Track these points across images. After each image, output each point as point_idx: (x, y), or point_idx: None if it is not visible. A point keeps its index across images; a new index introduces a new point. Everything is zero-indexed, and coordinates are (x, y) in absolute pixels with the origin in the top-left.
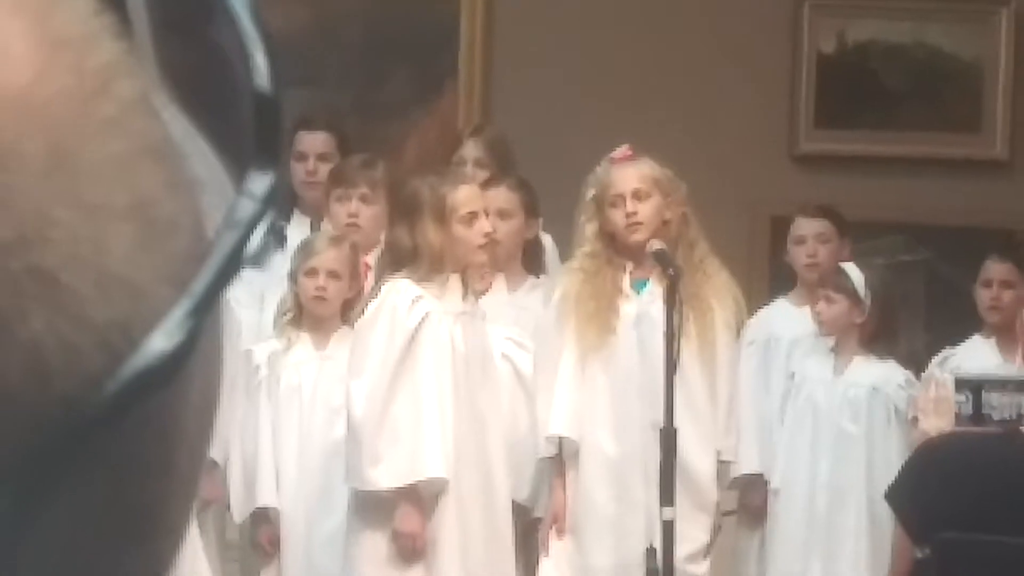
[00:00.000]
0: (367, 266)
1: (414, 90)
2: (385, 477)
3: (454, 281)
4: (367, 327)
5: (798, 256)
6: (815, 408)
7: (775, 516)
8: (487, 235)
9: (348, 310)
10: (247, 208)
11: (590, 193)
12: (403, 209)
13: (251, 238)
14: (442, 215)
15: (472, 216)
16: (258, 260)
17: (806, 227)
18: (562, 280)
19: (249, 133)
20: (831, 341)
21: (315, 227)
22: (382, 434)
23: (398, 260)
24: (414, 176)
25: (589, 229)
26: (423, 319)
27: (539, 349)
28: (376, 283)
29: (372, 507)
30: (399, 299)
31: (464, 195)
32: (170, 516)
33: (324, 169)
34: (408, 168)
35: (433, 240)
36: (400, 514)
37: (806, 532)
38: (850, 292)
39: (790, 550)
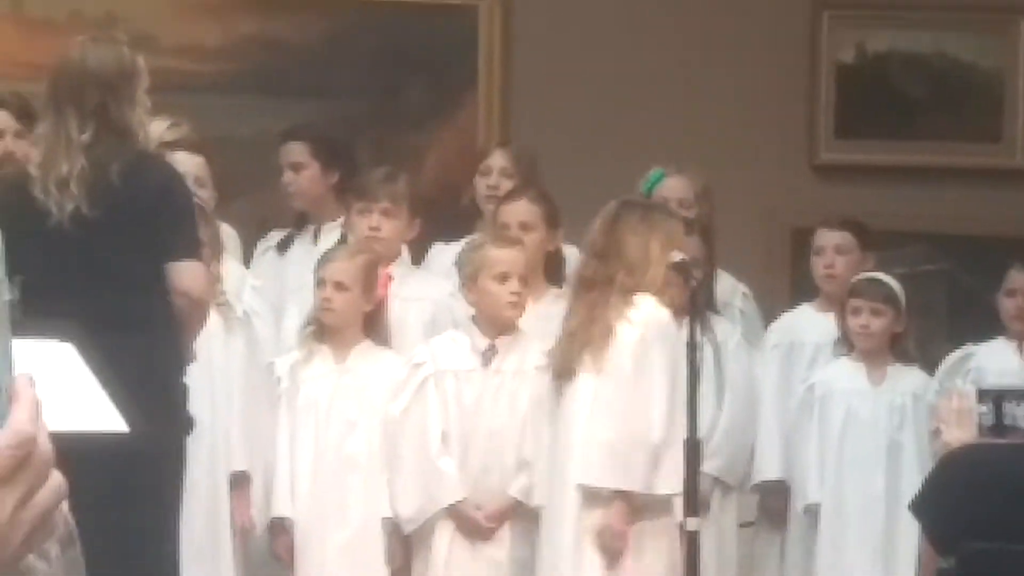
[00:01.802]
0: (388, 277)
1: (432, 102)
2: (665, 484)
3: None
4: (644, 349)
5: (816, 266)
6: (858, 420)
7: (822, 531)
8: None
9: (370, 323)
10: None
11: None
12: (647, 225)
13: None
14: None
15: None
16: None
17: (825, 238)
18: None
19: None
20: (851, 351)
21: (317, 235)
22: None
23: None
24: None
25: None
26: None
27: None
28: (619, 296)
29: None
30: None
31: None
32: None
33: (298, 178)
34: (428, 181)
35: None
36: (617, 511)
37: (862, 544)
38: (896, 303)
39: (847, 563)
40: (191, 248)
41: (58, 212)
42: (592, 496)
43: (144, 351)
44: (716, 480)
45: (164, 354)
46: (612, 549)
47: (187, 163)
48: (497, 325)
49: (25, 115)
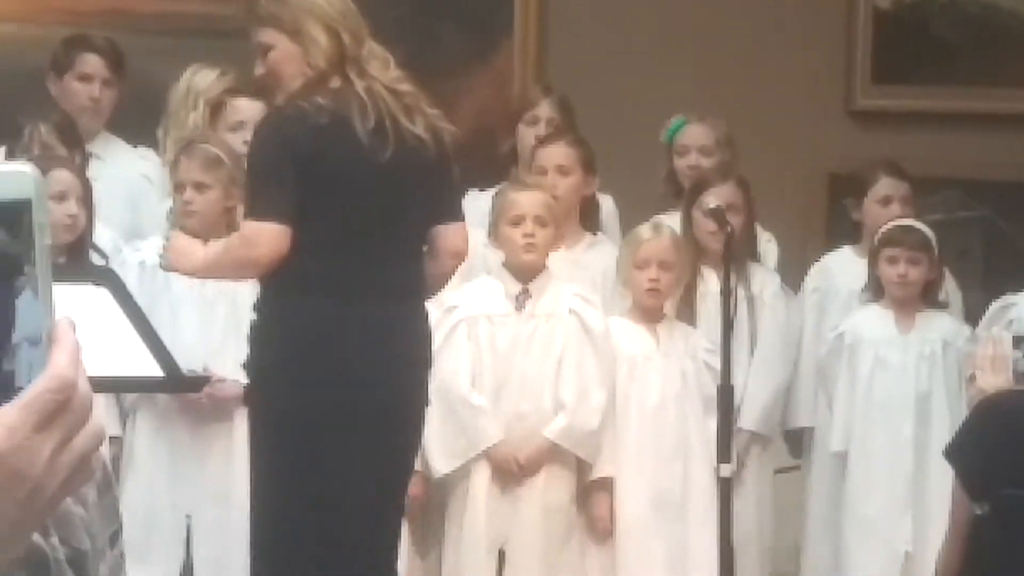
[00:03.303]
0: None
1: (468, 48)
2: None
3: None
4: None
5: (878, 215)
6: (886, 367)
7: (849, 479)
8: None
9: None
10: None
11: None
12: None
13: None
14: None
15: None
16: None
17: (894, 188)
18: None
19: None
20: (879, 298)
21: None
22: None
23: None
24: None
25: None
26: None
27: None
28: None
29: None
30: None
31: None
32: None
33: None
34: (463, 127)
35: None
36: None
37: (890, 492)
38: (931, 250)
39: (874, 511)
40: (462, 208)
41: (371, 161)
42: None
43: (420, 316)
44: (752, 433)
45: (426, 320)
46: None
47: (252, 109)
48: (523, 270)
49: (116, 65)
